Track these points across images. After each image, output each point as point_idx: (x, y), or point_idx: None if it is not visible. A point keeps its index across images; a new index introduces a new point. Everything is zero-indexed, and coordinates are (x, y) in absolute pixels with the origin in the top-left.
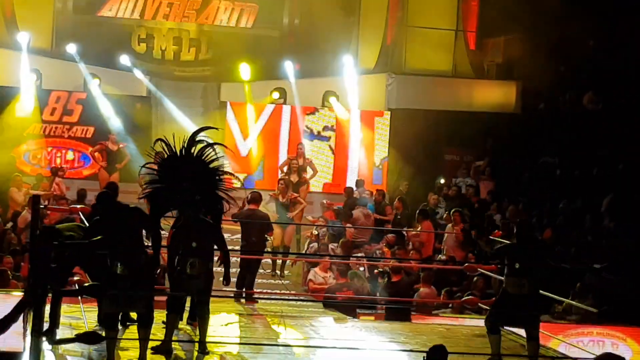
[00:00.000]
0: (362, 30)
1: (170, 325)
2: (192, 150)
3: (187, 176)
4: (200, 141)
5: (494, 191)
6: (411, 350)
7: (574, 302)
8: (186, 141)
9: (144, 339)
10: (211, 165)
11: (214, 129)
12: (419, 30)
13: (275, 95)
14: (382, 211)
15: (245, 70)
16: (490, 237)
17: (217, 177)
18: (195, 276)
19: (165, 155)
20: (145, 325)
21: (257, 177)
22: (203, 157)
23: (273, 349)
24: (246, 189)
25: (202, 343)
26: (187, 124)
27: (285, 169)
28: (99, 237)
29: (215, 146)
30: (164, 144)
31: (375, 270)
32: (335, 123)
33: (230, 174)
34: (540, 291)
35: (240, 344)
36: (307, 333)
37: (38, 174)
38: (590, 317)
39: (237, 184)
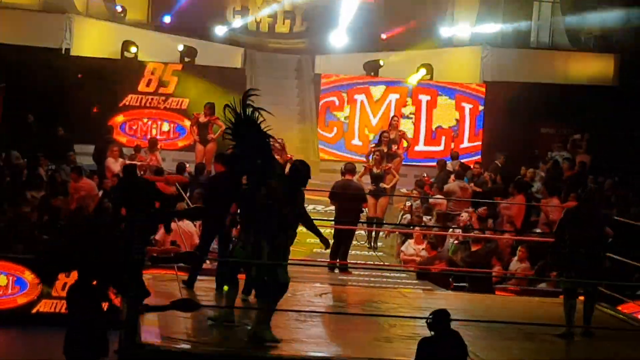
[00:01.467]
0: (458, 1)
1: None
2: (247, 114)
3: (251, 140)
4: (249, 105)
5: (591, 165)
6: (501, 322)
7: None
8: (239, 105)
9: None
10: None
11: (257, 91)
12: (515, 2)
13: (372, 67)
14: (481, 184)
15: (339, 42)
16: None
17: (268, 141)
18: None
19: (233, 121)
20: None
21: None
22: (254, 121)
23: (365, 319)
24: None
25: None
26: (281, 96)
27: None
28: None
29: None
30: (229, 109)
31: (456, 241)
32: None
33: (272, 137)
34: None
35: (333, 313)
36: (399, 304)
37: (136, 145)
38: None
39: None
